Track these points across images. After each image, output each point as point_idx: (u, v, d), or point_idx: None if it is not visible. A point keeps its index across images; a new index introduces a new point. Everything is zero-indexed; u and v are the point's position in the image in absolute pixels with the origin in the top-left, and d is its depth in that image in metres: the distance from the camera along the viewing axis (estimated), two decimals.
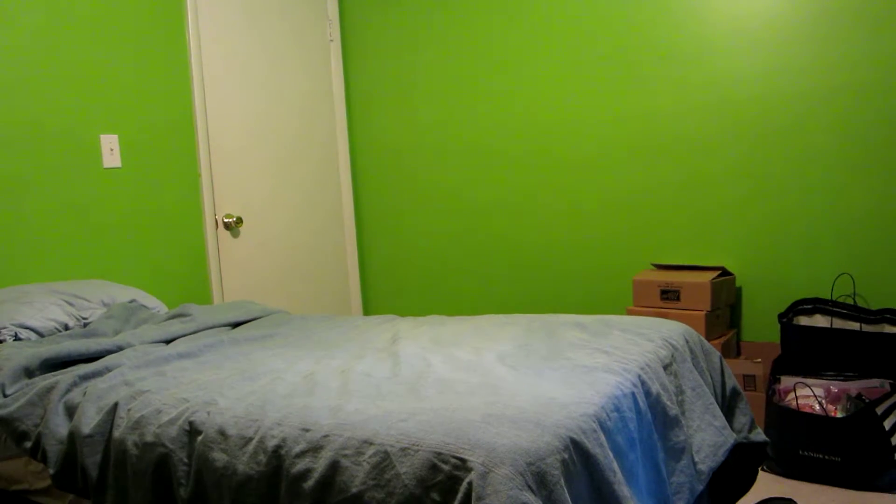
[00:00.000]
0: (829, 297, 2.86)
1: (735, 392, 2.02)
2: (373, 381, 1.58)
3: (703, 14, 2.99)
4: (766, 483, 2.52)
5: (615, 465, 1.33)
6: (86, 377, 1.74)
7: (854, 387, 2.58)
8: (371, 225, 3.94)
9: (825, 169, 2.85)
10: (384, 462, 1.23)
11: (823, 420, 2.44)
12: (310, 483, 1.27)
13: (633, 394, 1.51)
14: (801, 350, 2.72)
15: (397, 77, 3.74)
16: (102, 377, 1.73)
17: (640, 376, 1.59)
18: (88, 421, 1.59)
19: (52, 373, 1.80)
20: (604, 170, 3.28)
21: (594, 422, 1.33)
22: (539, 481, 1.16)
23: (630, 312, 2.98)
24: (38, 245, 2.56)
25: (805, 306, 2.83)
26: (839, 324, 2.75)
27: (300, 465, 1.29)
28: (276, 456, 1.33)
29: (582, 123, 3.30)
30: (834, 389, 2.58)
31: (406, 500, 1.18)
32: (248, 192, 3.33)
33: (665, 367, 1.73)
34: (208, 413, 1.47)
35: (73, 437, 1.60)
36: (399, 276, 3.89)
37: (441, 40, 3.60)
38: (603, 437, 1.33)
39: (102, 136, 2.75)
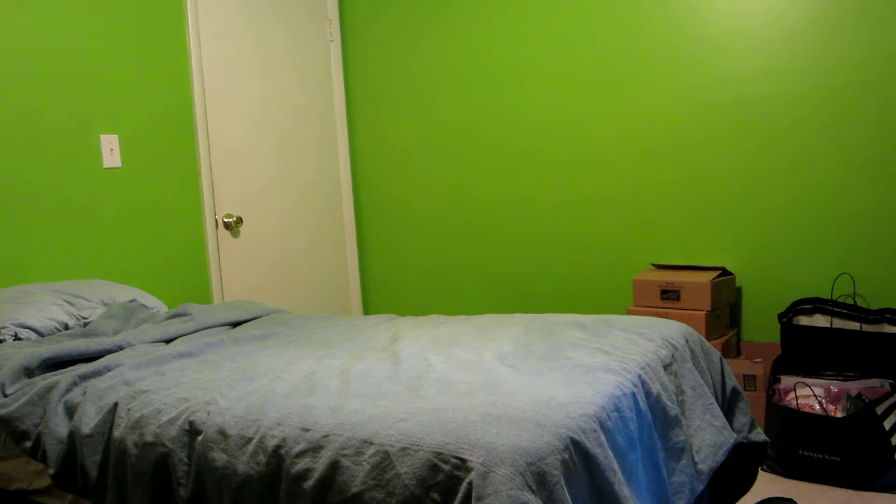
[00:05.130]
0: (829, 297, 2.86)
1: (735, 392, 2.02)
2: (373, 380, 1.58)
3: (704, 14, 2.99)
4: (766, 483, 2.52)
5: (615, 465, 1.33)
6: (86, 377, 1.74)
7: (854, 387, 2.58)
8: (371, 225, 3.94)
9: (825, 169, 2.84)
10: (384, 462, 1.23)
11: (823, 420, 2.44)
12: (310, 483, 1.27)
13: (633, 394, 1.51)
14: (801, 350, 2.72)
15: (397, 77, 3.74)
16: (102, 377, 1.73)
17: (640, 376, 1.59)
18: (88, 421, 1.59)
19: (52, 372, 1.80)
20: (604, 169, 3.28)
21: (594, 422, 1.33)
22: (539, 481, 1.16)
23: (630, 312, 2.98)
24: (38, 245, 2.56)
25: (805, 306, 2.83)
26: (839, 324, 2.75)
27: (300, 465, 1.29)
28: (276, 456, 1.33)
29: (582, 123, 3.30)
30: (834, 389, 2.58)
31: (406, 500, 1.18)
32: (248, 191, 3.33)
33: (665, 367, 1.73)
34: (208, 413, 1.47)
35: (72, 437, 1.60)
36: (399, 276, 3.89)
37: (441, 40, 3.60)
38: (603, 437, 1.33)
39: (102, 136, 2.75)
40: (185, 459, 1.45)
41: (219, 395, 1.55)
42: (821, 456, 2.45)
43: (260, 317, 2.35)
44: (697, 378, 1.83)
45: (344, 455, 1.26)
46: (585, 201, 3.34)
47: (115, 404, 1.59)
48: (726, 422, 1.86)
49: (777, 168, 2.92)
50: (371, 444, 1.26)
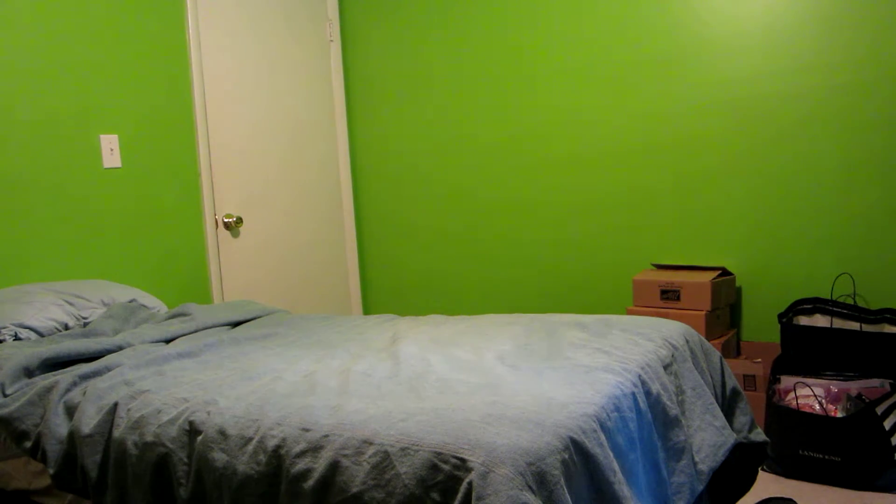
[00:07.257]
0: (829, 297, 2.86)
1: (735, 392, 2.02)
2: (373, 380, 1.58)
3: (704, 15, 2.99)
4: (766, 483, 2.52)
5: (615, 465, 1.33)
6: (86, 377, 1.74)
7: (854, 387, 2.58)
8: (371, 225, 3.94)
9: (825, 169, 2.84)
10: (384, 462, 1.23)
11: (823, 420, 2.44)
12: (310, 483, 1.27)
13: (633, 394, 1.51)
14: (801, 350, 2.72)
15: (397, 77, 3.74)
16: (102, 377, 1.73)
17: (640, 376, 1.59)
18: (88, 421, 1.59)
19: (52, 372, 1.80)
20: (603, 170, 3.28)
21: (594, 422, 1.33)
22: (539, 481, 1.16)
23: (630, 312, 2.98)
24: (38, 245, 2.56)
25: (805, 306, 2.83)
26: (839, 324, 2.75)
27: (300, 465, 1.29)
28: (276, 456, 1.33)
29: (581, 124, 3.30)
30: (834, 389, 2.58)
31: (406, 500, 1.18)
32: (249, 192, 3.33)
33: (665, 367, 1.73)
34: (208, 413, 1.47)
35: (72, 437, 1.60)
36: (399, 276, 3.89)
37: (440, 40, 3.60)
38: (603, 437, 1.33)
39: (102, 136, 2.75)
40: (185, 459, 1.45)
41: (219, 395, 1.55)
42: (821, 456, 2.45)
43: (260, 317, 2.35)
44: (697, 378, 1.83)
45: (344, 455, 1.26)
46: (585, 202, 3.34)
47: (115, 404, 1.59)
48: (726, 422, 1.86)
49: (777, 168, 2.92)
50: (371, 444, 1.26)
